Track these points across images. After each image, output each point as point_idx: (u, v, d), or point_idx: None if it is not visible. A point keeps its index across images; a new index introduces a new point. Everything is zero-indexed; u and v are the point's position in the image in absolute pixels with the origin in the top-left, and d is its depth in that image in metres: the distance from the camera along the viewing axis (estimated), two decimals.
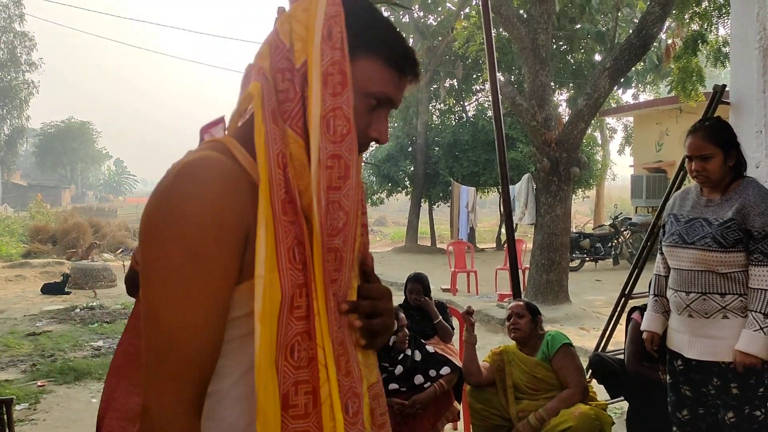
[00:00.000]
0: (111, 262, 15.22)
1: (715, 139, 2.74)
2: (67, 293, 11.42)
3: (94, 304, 9.98)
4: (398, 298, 5.49)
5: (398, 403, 3.50)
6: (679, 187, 4.50)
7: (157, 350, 0.95)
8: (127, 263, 15.64)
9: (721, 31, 11.69)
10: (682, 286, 2.77)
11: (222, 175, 0.98)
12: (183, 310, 0.94)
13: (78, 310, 9.47)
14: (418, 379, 3.59)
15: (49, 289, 11.48)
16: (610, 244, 15.32)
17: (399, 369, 3.57)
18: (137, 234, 1.14)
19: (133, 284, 2.28)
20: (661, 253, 2.99)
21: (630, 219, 16.31)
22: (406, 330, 3.60)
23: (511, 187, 12.92)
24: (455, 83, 21.12)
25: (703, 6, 11.13)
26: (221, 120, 1.17)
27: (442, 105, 22.24)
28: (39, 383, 5.81)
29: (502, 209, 6.42)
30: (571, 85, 19.80)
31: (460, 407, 3.86)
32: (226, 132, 1.14)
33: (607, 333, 5.05)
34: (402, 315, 3.64)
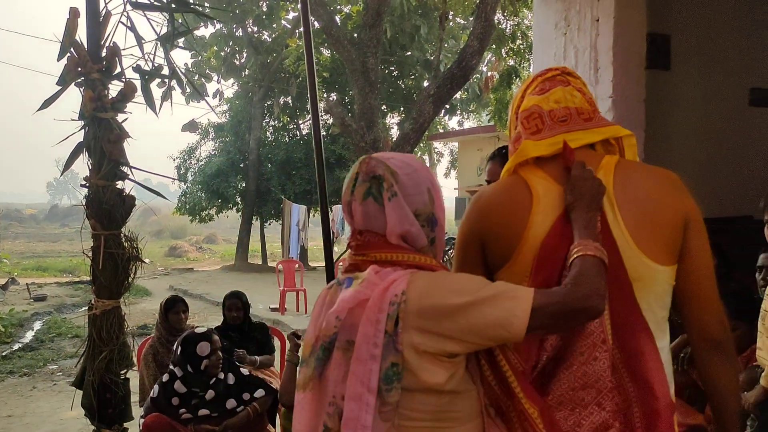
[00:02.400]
0: None
1: None
2: None
3: None
4: (218, 319, 5.28)
5: (209, 429, 3.35)
6: None
7: None
8: None
9: (533, 68, 12.79)
10: None
11: None
12: None
13: None
14: (231, 403, 3.45)
15: None
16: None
17: (210, 394, 3.40)
18: None
19: None
20: None
21: (454, 238, 17.19)
22: (220, 353, 3.44)
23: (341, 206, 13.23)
24: (290, 101, 21.10)
25: (518, 44, 12.13)
26: None
27: (275, 122, 22.08)
28: None
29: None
30: (402, 109, 20.58)
31: (274, 430, 3.76)
32: None
33: None
34: (216, 338, 3.48)
